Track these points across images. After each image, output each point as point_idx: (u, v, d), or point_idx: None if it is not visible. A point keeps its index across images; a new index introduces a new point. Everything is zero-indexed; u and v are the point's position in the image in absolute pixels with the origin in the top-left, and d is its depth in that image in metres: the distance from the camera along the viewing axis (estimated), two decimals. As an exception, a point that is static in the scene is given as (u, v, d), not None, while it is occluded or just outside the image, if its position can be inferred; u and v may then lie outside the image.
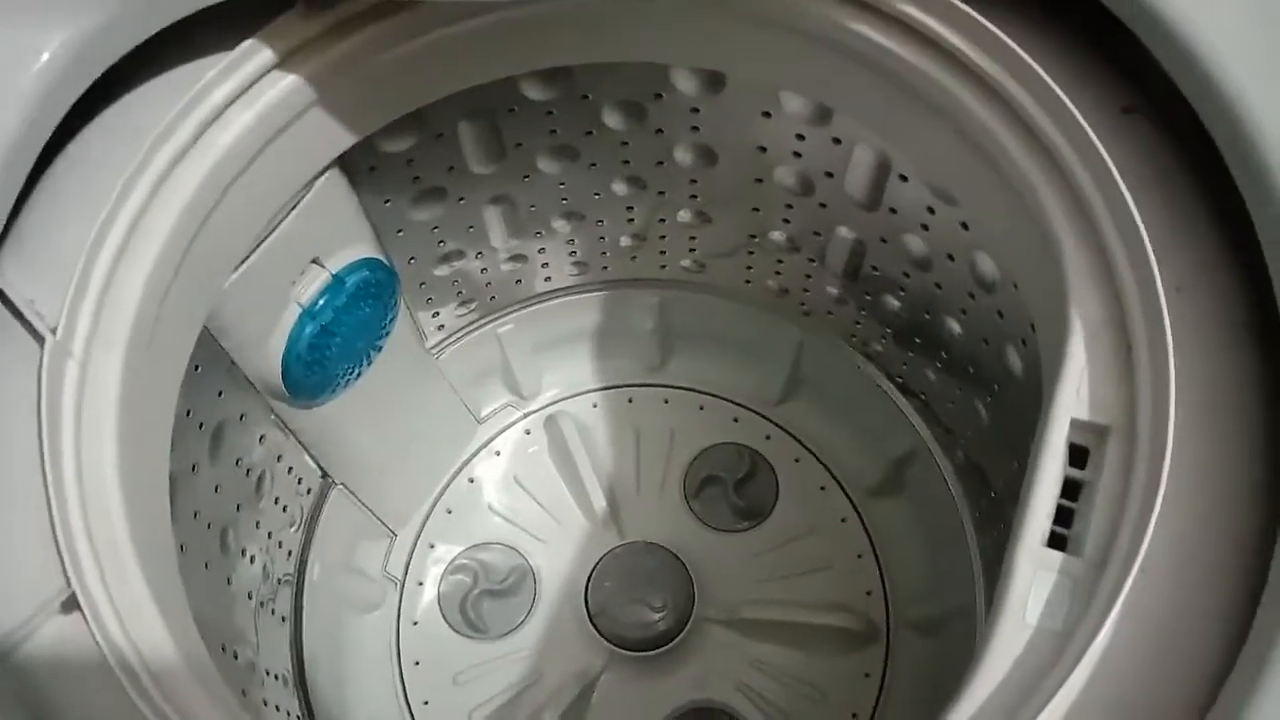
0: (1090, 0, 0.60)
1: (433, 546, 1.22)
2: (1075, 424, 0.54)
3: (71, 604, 0.50)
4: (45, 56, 0.52)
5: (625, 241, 1.13)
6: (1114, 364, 0.55)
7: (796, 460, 1.25)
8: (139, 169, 0.59)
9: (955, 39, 0.62)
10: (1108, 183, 0.57)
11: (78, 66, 0.54)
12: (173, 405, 0.65)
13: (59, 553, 0.50)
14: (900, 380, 1.12)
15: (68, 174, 0.59)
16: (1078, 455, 0.55)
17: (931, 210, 0.83)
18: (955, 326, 0.92)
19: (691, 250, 1.13)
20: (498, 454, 1.28)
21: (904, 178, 0.83)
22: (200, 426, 0.79)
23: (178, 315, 0.64)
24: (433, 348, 1.17)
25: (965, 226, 0.80)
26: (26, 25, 0.52)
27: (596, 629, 1.13)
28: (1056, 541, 0.53)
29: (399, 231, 0.95)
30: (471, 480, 1.26)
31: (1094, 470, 0.54)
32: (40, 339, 0.55)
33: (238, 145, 0.63)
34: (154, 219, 0.60)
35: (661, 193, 1.03)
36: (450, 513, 1.24)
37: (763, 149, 0.91)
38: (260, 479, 0.93)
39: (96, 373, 0.56)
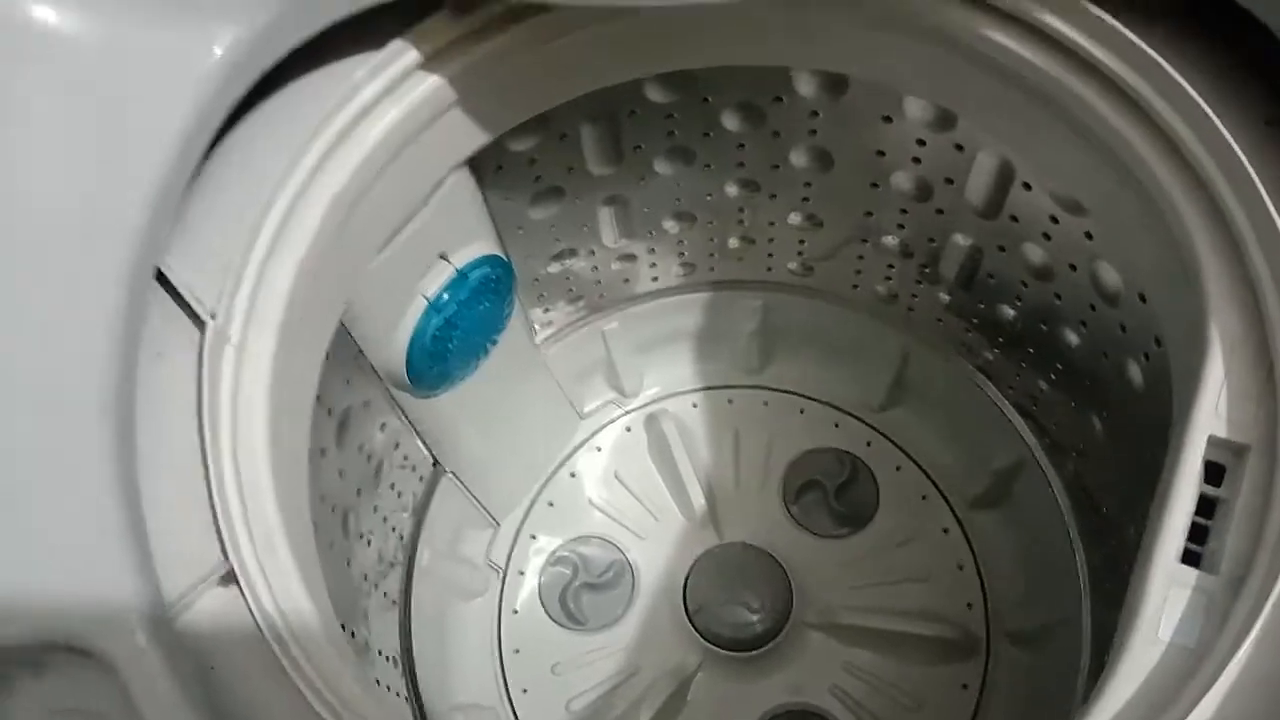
0: (1235, 8, 0.59)
1: (534, 538, 1.25)
2: (1213, 441, 0.53)
3: (230, 578, 0.53)
4: (217, 53, 0.55)
5: (734, 243, 1.13)
6: (1254, 382, 0.54)
7: (898, 468, 1.24)
8: (293, 162, 0.62)
9: (1094, 48, 0.62)
10: (1252, 197, 0.56)
11: (245, 64, 0.57)
12: (313, 390, 0.68)
13: (218, 530, 0.53)
14: (1010, 391, 1.10)
15: (228, 165, 0.62)
16: (1213, 472, 0.54)
17: (1055, 219, 0.82)
18: (1073, 338, 0.91)
19: (799, 253, 1.13)
20: (599, 450, 1.30)
21: (1027, 186, 0.82)
22: (329, 413, 0.82)
23: (322, 303, 0.67)
24: (541, 343, 1.20)
25: (1090, 236, 0.79)
26: (198, 23, 0.55)
27: (694, 627, 1.14)
28: (1190, 558, 0.52)
29: (518, 229, 0.98)
30: (573, 475, 1.28)
31: (1231, 488, 0.53)
32: (200, 324, 0.58)
33: (384, 141, 0.66)
34: (305, 211, 0.63)
35: (774, 195, 1.03)
36: (552, 505, 1.26)
37: (881, 153, 0.91)
38: (379, 465, 0.96)
39: (251, 358, 0.59)
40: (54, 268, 0.51)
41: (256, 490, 0.56)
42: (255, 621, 0.52)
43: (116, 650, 0.46)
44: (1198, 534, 0.53)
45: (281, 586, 0.54)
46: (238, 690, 0.51)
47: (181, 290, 0.58)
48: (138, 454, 0.53)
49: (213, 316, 0.58)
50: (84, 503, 0.49)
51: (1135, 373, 0.82)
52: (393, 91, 0.66)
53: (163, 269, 0.57)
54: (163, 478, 0.54)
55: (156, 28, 0.53)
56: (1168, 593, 0.51)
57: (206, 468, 0.55)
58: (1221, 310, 0.56)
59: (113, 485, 0.50)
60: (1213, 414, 0.54)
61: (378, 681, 0.94)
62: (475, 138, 0.74)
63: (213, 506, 0.54)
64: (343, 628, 0.85)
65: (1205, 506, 0.54)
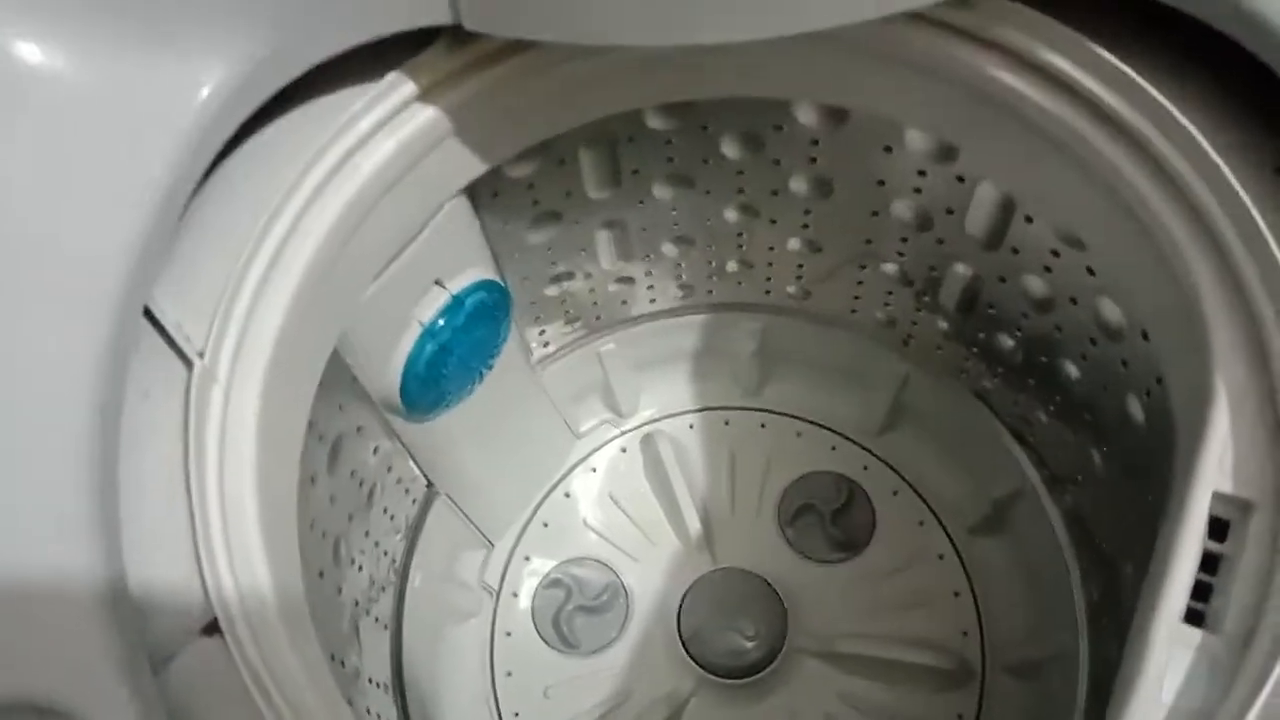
0: (1243, 54, 0.58)
1: (528, 559, 1.24)
2: (1217, 496, 0.53)
3: (213, 628, 0.52)
4: (205, 92, 0.54)
5: (732, 267, 1.13)
6: (1260, 436, 0.53)
7: (895, 493, 1.23)
8: (285, 197, 0.61)
9: (1100, 90, 0.61)
10: (1260, 247, 0.55)
11: (235, 102, 0.56)
12: (303, 425, 0.67)
13: (202, 578, 0.52)
14: (1009, 419, 1.09)
15: (219, 199, 0.61)
16: (1216, 527, 0.53)
17: (1056, 253, 0.81)
18: (1074, 370, 0.90)
19: (799, 278, 1.13)
20: (594, 470, 1.29)
21: (1029, 219, 0.82)
22: (320, 439, 0.81)
23: (313, 338, 0.66)
24: (537, 364, 1.19)
25: (1092, 272, 0.78)
26: (187, 60, 0.54)
27: (688, 653, 1.14)
28: (1193, 617, 0.51)
29: (515, 253, 0.97)
30: (568, 495, 1.27)
31: (1235, 544, 0.52)
32: (188, 363, 0.57)
33: (380, 173, 0.65)
34: (298, 246, 0.62)
35: (773, 221, 1.02)
36: (546, 526, 1.25)
37: (881, 183, 0.90)
38: (372, 489, 0.95)
39: (239, 397, 0.58)
40: (38, 308, 0.50)
41: (242, 535, 0.55)
42: (241, 676, 0.51)
43: (93, 710, 0.45)
44: (1200, 591, 0.52)
45: (267, 638, 0.53)
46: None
47: (169, 329, 0.57)
48: (120, 497, 0.52)
49: (200, 355, 0.57)
50: (62, 549, 0.48)
51: (1136, 408, 0.81)
52: (388, 123, 0.65)
53: (150, 307, 0.56)
54: (145, 523, 0.53)
55: (143, 66, 0.52)
56: (1170, 653, 0.50)
57: (192, 513, 0.54)
58: (1227, 362, 0.55)
59: (93, 531, 0.49)
60: (1217, 469, 0.53)
61: (368, 711, 0.92)
62: (472, 168, 0.74)
63: (197, 553, 0.53)
64: (332, 658, 0.85)
65: (1208, 562, 0.53)
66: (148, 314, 0.57)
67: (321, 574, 0.84)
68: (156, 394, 0.56)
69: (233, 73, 0.53)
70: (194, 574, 0.52)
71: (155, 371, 0.57)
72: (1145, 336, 0.74)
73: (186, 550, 0.53)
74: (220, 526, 0.54)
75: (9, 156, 0.49)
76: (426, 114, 0.66)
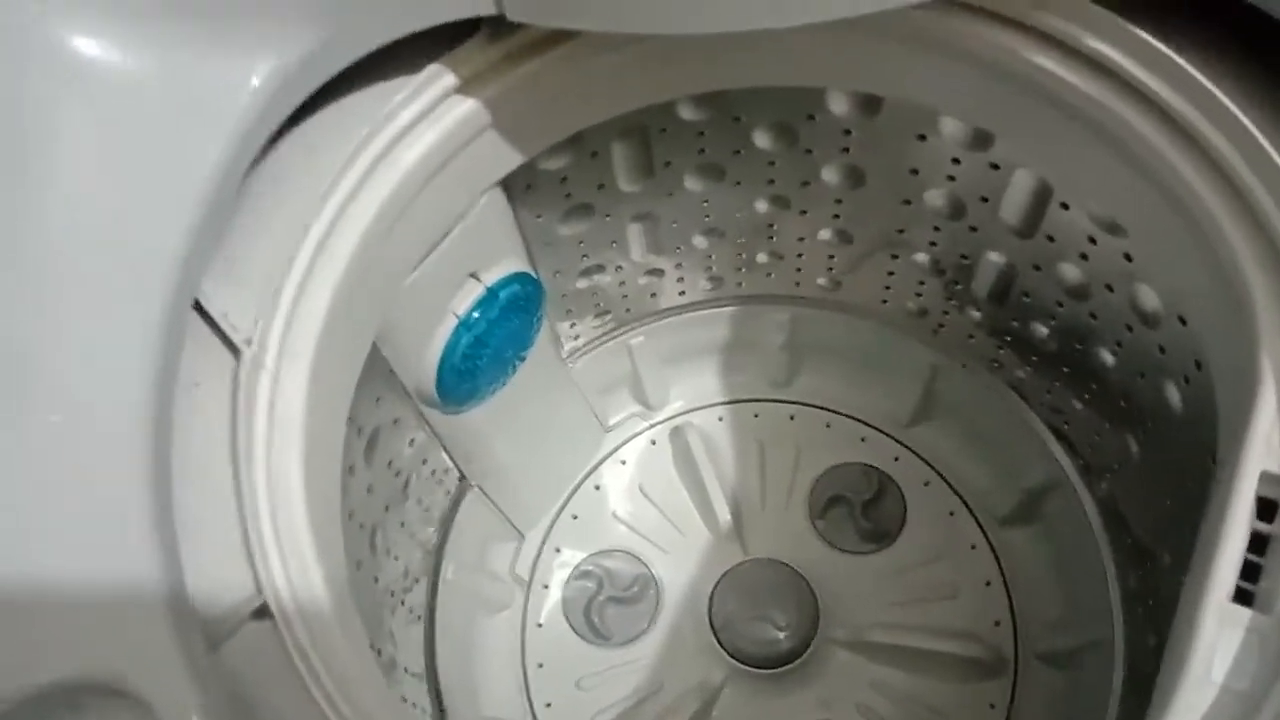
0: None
1: (559, 551, 1.24)
2: (1265, 476, 0.52)
3: (263, 612, 0.52)
4: (255, 83, 0.55)
5: (762, 258, 1.13)
6: (1308, 416, 0.53)
7: (926, 484, 1.23)
8: (330, 187, 0.62)
9: (1141, 73, 0.61)
10: (1306, 227, 0.55)
11: (283, 94, 0.56)
12: (346, 413, 0.67)
13: (252, 563, 0.53)
14: (1042, 409, 1.09)
15: (264, 190, 0.61)
16: (1264, 508, 0.53)
17: (1093, 240, 0.81)
18: (1109, 358, 0.90)
19: (829, 269, 1.13)
20: (623, 463, 1.30)
21: (1065, 206, 0.81)
22: (359, 431, 0.82)
23: (356, 327, 0.67)
24: (568, 357, 1.19)
25: (1129, 258, 0.78)
26: (237, 54, 0.55)
27: (719, 643, 1.14)
28: (1242, 597, 0.51)
29: (547, 246, 0.97)
30: (598, 487, 1.28)
31: (1285, 525, 0.52)
32: (236, 351, 0.58)
33: (420, 164, 0.65)
34: (341, 236, 0.62)
35: (804, 212, 1.02)
36: (576, 518, 1.26)
37: (915, 171, 0.90)
38: (407, 481, 0.96)
39: (286, 385, 0.59)
40: (92, 298, 0.51)
41: (290, 520, 0.56)
42: (290, 657, 0.51)
43: (155, 690, 0.46)
44: (1249, 572, 0.52)
45: (315, 620, 0.53)
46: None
47: (217, 318, 0.58)
48: (173, 486, 0.53)
49: (249, 344, 0.58)
50: (120, 537, 0.49)
51: (1174, 395, 0.80)
52: (429, 114, 0.65)
53: (199, 297, 0.57)
54: (196, 510, 0.54)
55: (195, 58, 0.53)
56: (1220, 633, 0.50)
57: (241, 499, 0.54)
58: (1273, 342, 0.55)
59: (149, 518, 0.50)
60: (1265, 448, 0.53)
61: (404, 699, 0.93)
62: (510, 159, 0.74)
63: (247, 538, 0.54)
64: (370, 647, 0.85)
65: (1256, 543, 0.53)
66: (195, 304, 0.57)
67: (359, 564, 0.85)
68: (207, 383, 0.57)
69: (283, 64, 0.54)
70: (244, 559, 0.53)
71: (204, 361, 0.58)
72: (1183, 321, 0.74)
73: (237, 537, 0.54)
74: (269, 513, 0.55)
75: (65, 148, 0.50)
76: (466, 106, 0.67)
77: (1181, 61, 0.59)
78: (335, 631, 0.55)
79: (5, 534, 0.47)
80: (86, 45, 0.50)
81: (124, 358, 0.50)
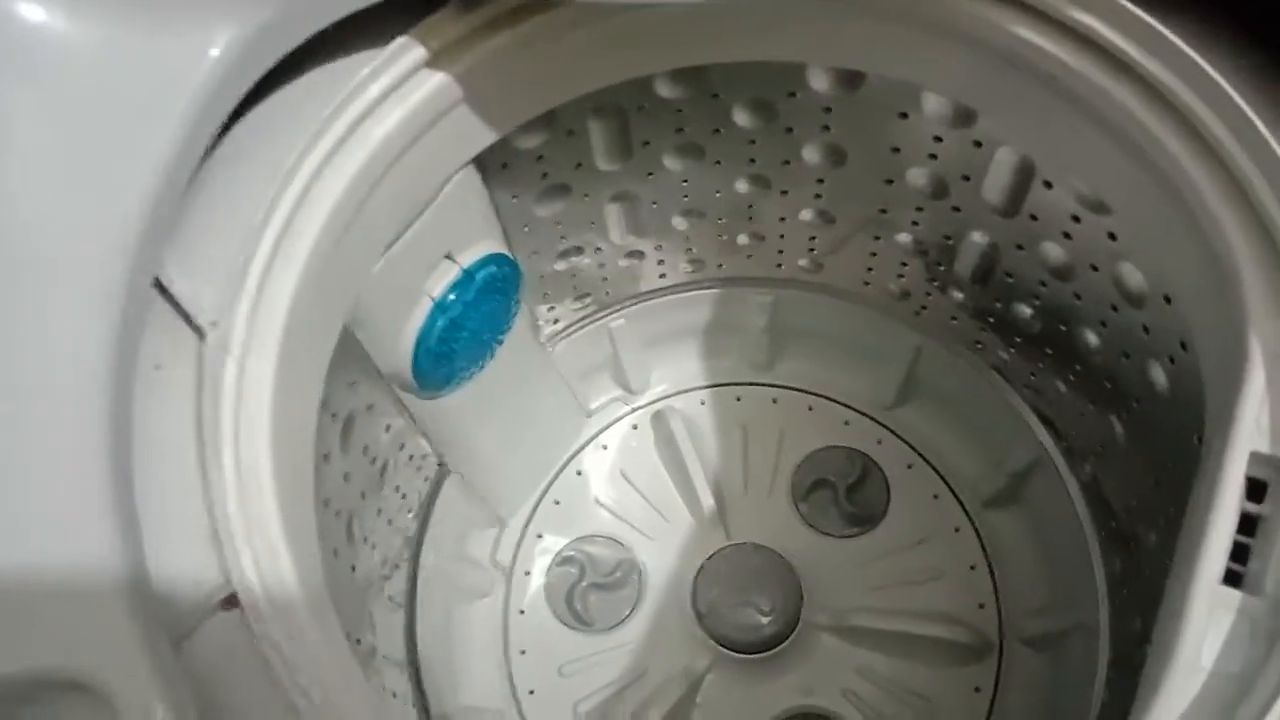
0: (1274, 6, 0.57)
1: (540, 536, 1.23)
2: (1254, 457, 0.51)
3: (231, 602, 0.51)
4: (214, 54, 0.53)
5: (743, 240, 1.11)
6: (1298, 395, 0.52)
7: (909, 466, 1.22)
8: (295, 164, 0.60)
9: (1129, 47, 0.59)
10: (1296, 203, 0.54)
11: (243, 66, 0.54)
12: (317, 399, 0.66)
13: (219, 552, 0.51)
14: (1026, 391, 1.08)
15: (227, 168, 0.59)
16: (1254, 488, 0.52)
17: (1077, 218, 0.80)
18: (1093, 339, 0.89)
19: (810, 250, 1.11)
20: (605, 448, 1.28)
21: (1049, 184, 0.80)
22: (334, 417, 0.80)
23: (326, 309, 0.65)
24: (546, 341, 1.18)
25: (1113, 237, 0.77)
26: (193, 23, 0.53)
27: (703, 628, 1.13)
28: (1231, 579, 0.50)
29: (524, 227, 0.95)
30: (579, 473, 1.26)
31: (1274, 505, 0.51)
32: (200, 333, 0.56)
33: (389, 141, 0.64)
34: (308, 215, 0.61)
35: (785, 192, 1.01)
36: (558, 504, 1.25)
37: (896, 150, 0.89)
38: (384, 467, 0.94)
39: (253, 367, 0.57)
40: (46, 278, 0.49)
41: (260, 507, 0.54)
42: (260, 648, 0.50)
43: (116, 684, 0.44)
44: (1238, 553, 0.51)
45: (285, 610, 0.52)
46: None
47: (181, 300, 0.56)
48: (135, 471, 0.51)
49: (213, 325, 0.56)
50: (78, 523, 0.47)
51: (1159, 375, 0.80)
52: (398, 89, 0.64)
53: (161, 278, 0.55)
54: (160, 496, 0.52)
55: (149, 28, 0.51)
56: (1210, 616, 0.49)
57: (207, 485, 0.53)
58: (1262, 321, 0.54)
59: (109, 505, 0.48)
60: (1254, 428, 0.52)
61: (384, 688, 0.92)
62: (482, 136, 0.72)
63: (214, 525, 0.52)
64: (348, 636, 0.84)
65: (1245, 524, 0.52)
66: (156, 284, 0.55)
67: (336, 552, 0.83)
68: (169, 366, 0.55)
69: (243, 33, 0.52)
70: (211, 548, 0.51)
71: (167, 344, 0.56)
72: (1168, 300, 0.73)
73: (203, 524, 0.52)
74: (236, 499, 0.53)
75: (13, 118, 0.48)
76: (436, 79, 0.65)
77: (1170, 35, 0.58)
78: (307, 621, 0.53)
79: (-44, 523, 0.45)
80: (33, 12, 0.48)
81: (78, 336, 0.49)
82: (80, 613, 0.45)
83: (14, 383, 0.47)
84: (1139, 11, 0.58)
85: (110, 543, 0.47)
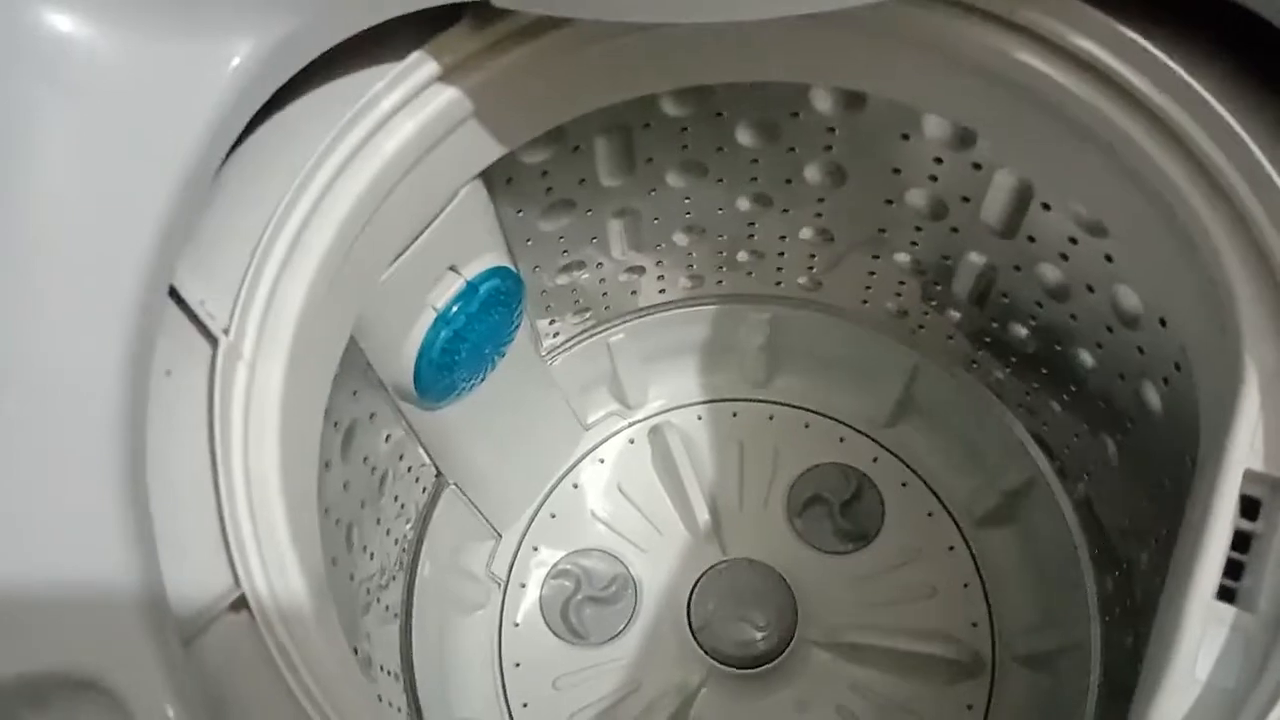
0: (1273, 33, 0.58)
1: (536, 549, 1.23)
2: (1248, 475, 0.52)
3: (240, 604, 0.51)
4: (234, 64, 0.54)
5: (743, 256, 1.12)
6: (1292, 415, 0.53)
7: (904, 484, 1.23)
8: (308, 176, 0.61)
9: (1126, 72, 0.61)
10: (1290, 227, 0.55)
11: (263, 76, 0.55)
12: (323, 406, 0.66)
13: (229, 554, 0.52)
14: (1020, 410, 1.09)
15: (243, 177, 0.60)
16: (1247, 506, 0.53)
17: (1074, 240, 0.81)
18: (1088, 359, 0.90)
19: (810, 268, 1.12)
20: (601, 461, 1.29)
21: (1047, 206, 0.81)
22: (335, 425, 0.81)
23: (334, 318, 0.65)
24: (546, 354, 1.18)
25: (1110, 259, 0.78)
26: (215, 34, 0.54)
27: (698, 643, 1.13)
28: (1225, 595, 0.51)
29: (527, 241, 0.96)
30: (576, 486, 1.27)
31: (1267, 523, 0.52)
32: (213, 340, 0.57)
33: (400, 154, 0.65)
34: (320, 225, 0.61)
35: (786, 210, 1.02)
36: (554, 517, 1.25)
37: (897, 171, 0.90)
38: (383, 477, 0.95)
39: (263, 374, 0.58)
40: (66, 282, 0.50)
41: (268, 512, 0.55)
42: (268, 651, 0.50)
43: (128, 684, 0.44)
44: (1232, 569, 0.52)
45: (293, 613, 0.52)
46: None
47: (194, 306, 0.57)
48: (147, 475, 0.52)
49: (226, 333, 0.57)
50: (92, 526, 0.48)
51: (1153, 396, 0.81)
52: (410, 103, 0.65)
53: (175, 284, 0.56)
54: (172, 499, 0.53)
55: (172, 38, 0.51)
56: (1204, 631, 0.50)
57: (218, 489, 0.53)
58: (1256, 341, 0.55)
59: (122, 508, 0.48)
60: (1248, 447, 0.53)
61: (380, 698, 0.92)
62: (491, 151, 0.73)
63: (224, 530, 0.52)
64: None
65: (1239, 541, 0.53)
66: (170, 291, 0.56)
67: (335, 560, 0.83)
68: (181, 372, 0.56)
69: (263, 45, 0.53)
70: (221, 551, 0.52)
71: (179, 350, 0.56)
72: (1163, 323, 0.74)
73: (213, 527, 0.53)
74: (246, 504, 0.54)
75: (38, 127, 0.49)
76: (448, 95, 0.66)
77: (1168, 60, 0.59)
78: (313, 627, 0.54)
79: (-30, 524, 0.46)
80: (59, 21, 0.49)
81: (95, 342, 0.49)
82: (95, 615, 0.46)
83: (30, 385, 0.48)
84: (1139, 37, 0.60)
85: (123, 546, 0.48)
